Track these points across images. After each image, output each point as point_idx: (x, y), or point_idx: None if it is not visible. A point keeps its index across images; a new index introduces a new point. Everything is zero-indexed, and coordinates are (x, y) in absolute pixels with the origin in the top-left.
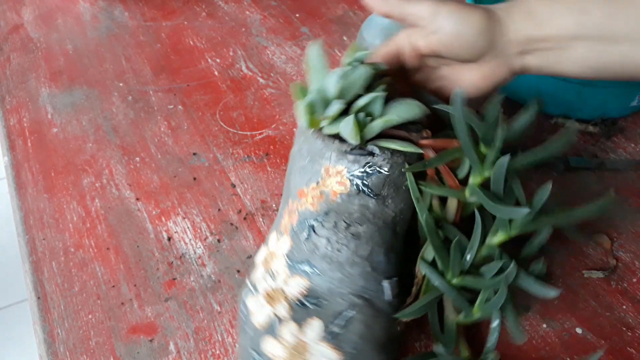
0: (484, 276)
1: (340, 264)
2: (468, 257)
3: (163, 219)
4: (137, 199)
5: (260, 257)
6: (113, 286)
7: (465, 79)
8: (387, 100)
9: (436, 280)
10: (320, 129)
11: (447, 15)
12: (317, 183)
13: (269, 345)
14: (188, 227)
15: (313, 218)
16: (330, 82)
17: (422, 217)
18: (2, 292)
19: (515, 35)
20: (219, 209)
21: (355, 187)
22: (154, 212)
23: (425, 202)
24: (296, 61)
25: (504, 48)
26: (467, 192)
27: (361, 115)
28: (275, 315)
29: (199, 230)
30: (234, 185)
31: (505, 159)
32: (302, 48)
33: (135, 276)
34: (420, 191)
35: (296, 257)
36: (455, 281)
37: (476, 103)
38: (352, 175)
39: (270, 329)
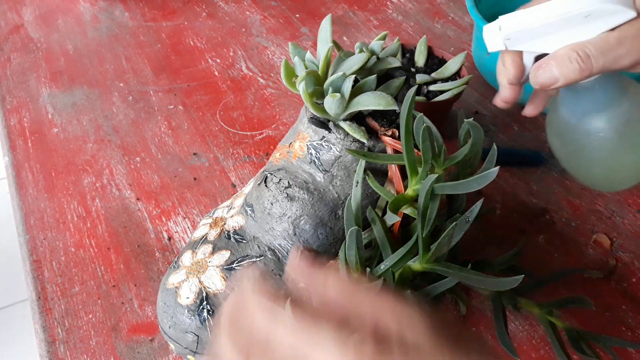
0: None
1: (271, 216)
2: (382, 266)
3: (163, 218)
4: (138, 199)
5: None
6: (113, 286)
7: None
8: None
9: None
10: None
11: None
12: (290, 144)
13: (185, 256)
14: (188, 227)
15: (270, 170)
16: (322, 53)
17: (351, 201)
18: (2, 292)
19: None
20: None
21: (309, 155)
22: (154, 212)
23: (384, 198)
24: None
25: None
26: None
27: (329, 90)
28: (206, 235)
29: None
30: (234, 185)
31: (430, 180)
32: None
33: (135, 276)
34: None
35: (248, 199)
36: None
37: (440, 113)
38: (310, 143)
39: (195, 244)
